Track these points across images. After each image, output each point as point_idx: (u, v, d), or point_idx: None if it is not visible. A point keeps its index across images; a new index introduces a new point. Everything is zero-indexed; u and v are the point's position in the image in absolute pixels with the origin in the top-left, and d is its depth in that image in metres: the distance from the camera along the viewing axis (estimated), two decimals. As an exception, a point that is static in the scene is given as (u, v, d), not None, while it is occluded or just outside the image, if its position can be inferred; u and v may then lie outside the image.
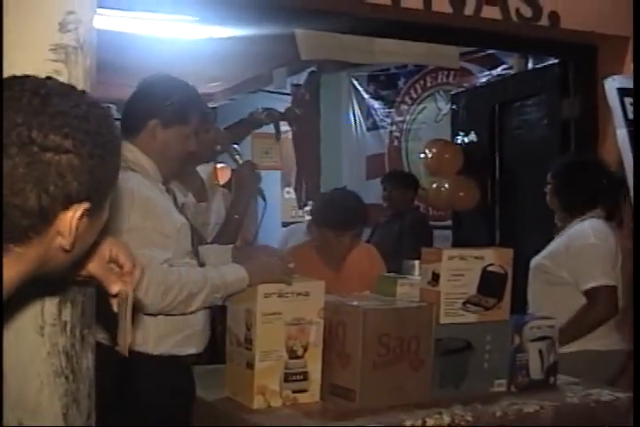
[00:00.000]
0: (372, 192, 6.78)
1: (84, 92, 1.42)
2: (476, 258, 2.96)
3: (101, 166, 1.36)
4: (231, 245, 3.12)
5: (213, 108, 10.06)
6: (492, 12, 4.08)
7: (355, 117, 8.18)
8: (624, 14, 4.47)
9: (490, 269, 2.97)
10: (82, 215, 1.37)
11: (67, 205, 1.35)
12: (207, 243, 3.37)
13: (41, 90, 1.35)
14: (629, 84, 4.42)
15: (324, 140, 8.23)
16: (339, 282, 3.76)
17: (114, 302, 1.64)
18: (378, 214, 6.94)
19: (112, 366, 2.67)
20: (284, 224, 9.20)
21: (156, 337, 2.79)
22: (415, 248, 3.33)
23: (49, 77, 1.40)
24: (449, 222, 6.23)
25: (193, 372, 2.94)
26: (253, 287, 2.71)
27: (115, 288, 1.63)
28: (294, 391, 2.75)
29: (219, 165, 4.03)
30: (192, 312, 2.79)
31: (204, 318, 2.94)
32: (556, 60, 4.89)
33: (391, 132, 7.71)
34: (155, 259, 2.66)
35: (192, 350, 2.91)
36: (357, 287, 3.34)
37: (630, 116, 4.35)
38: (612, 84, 4.41)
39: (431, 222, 6.47)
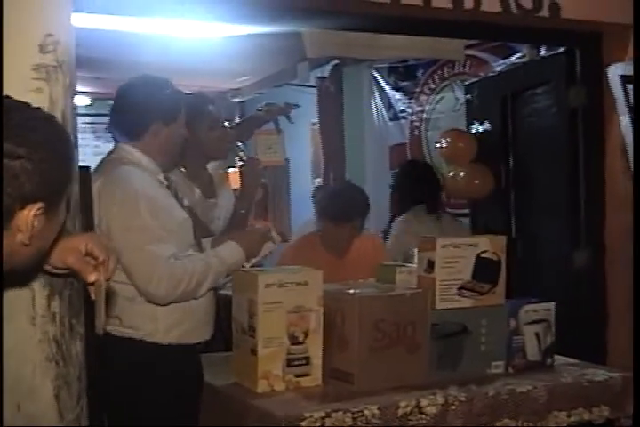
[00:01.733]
0: (396, 181, 6.87)
1: (38, 108, 1.61)
2: (470, 245, 3.08)
3: (53, 170, 1.57)
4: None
5: (241, 102, 10.22)
6: (491, 5, 4.14)
7: (377, 108, 8.28)
8: (627, 2, 4.54)
9: (483, 255, 3.09)
10: (37, 213, 1.57)
11: (23, 205, 1.55)
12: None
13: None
14: (632, 70, 4.49)
15: (348, 131, 8.34)
16: (343, 269, 3.90)
17: (91, 290, 1.85)
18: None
19: (122, 355, 2.85)
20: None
21: (165, 327, 2.95)
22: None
23: (7, 96, 1.59)
24: (467, 210, 6.31)
25: (201, 359, 3.09)
26: (254, 278, 2.84)
27: (91, 278, 1.85)
28: (297, 376, 2.90)
29: (230, 170, 4.16)
30: (199, 297, 2.97)
31: (210, 308, 3.09)
32: (562, 49, 4.93)
33: (412, 122, 7.79)
34: (161, 254, 2.82)
35: (199, 339, 3.06)
36: (361, 274, 3.48)
37: (633, 102, 4.43)
38: (614, 72, 4.47)
39: (450, 210, 6.56)
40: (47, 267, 1.93)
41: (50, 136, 1.58)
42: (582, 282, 4.82)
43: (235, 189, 4.10)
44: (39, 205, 1.56)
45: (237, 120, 6.70)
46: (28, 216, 1.55)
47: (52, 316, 2.06)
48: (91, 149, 8.82)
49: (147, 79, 3.10)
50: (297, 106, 4.54)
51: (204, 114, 3.75)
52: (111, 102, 3.19)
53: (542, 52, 5.45)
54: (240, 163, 3.96)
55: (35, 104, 1.65)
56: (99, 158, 3.14)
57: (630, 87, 4.43)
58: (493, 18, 4.25)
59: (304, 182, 9.63)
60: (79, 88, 8.25)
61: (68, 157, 1.64)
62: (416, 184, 5.78)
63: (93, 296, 1.85)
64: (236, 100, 10.01)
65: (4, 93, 1.60)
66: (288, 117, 4.44)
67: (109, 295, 1.91)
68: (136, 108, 3.03)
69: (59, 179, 1.61)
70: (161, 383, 2.93)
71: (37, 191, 1.54)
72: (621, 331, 4.64)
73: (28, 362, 2.04)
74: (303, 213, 9.64)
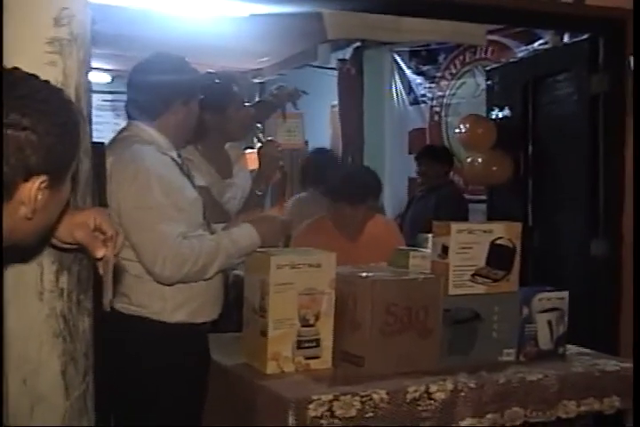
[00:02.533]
0: (413, 166, 6.87)
1: (46, 81, 1.59)
2: (485, 232, 3.05)
3: (58, 143, 1.55)
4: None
5: (261, 83, 10.21)
6: (516, -9, 4.13)
7: (397, 92, 8.24)
8: (652, -10, 4.50)
9: (498, 242, 3.07)
10: (41, 187, 1.55)
11: (26, 177, 1.53)
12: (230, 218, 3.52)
13: (9, 77, 1.54)
14: (656, 59, 4.45)
15: (368, 114, 8.32)
16: (356, 252, 3.88)
17: (99, 265, 1.84)
18: (415, 188, 7.05)
19: (129, 332, 2.85)
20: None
21: (173, 306, 2.94)
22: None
23: (15, 68, 1.58)
24: (485, 197, 6.29)
25: (208, 339, 3.09)
26: (267, 258, 2.83)
27: (99, 253, 1.84)
28: (307, 358, 2.89)
29: (248, 151, 4.15)
30: (210, 278, 2.95)
31: (218, 287, 3.08)
32: (585, 36, 4.89)
33: (432, 106, 7.76)
34: (171, 233, 2.80)
35: (207, 318, 3.06)
36: (374, 258, 3.45)
37: (655, 90, 4.39)
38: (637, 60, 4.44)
39: (467, 196, 6.54)
40: (55, 241, 1.92)
41: (57, 109, 1.56)
42: (598, 272, 4.80)
43: (252, 171, 4.09)
44: (43, 178, 1.54)
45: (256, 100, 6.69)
46: (32, 189, 1.53)
47: (60, 291, 2.05)
48: (110, 126, 8.82)
49: (163, 57, 3.08)
50: (305, 93, 4.52)
51: (229, 94, 3.74)
52: (131, 80, 3.18)
53: (565, 39, 5.41)
54: (259, 144, 3.95)
55: (48, 78, 1.64)
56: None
57: (654, 75, 4.40)
58: (517, 3, 4.22)
59: (323, 164, 9.61)
60: (100, 65, 8.26)
61: (75, 130, 1.62)
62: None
63: (101, 271, 1.85)
64: (257, 80, 10.01)
65: (14, 65, 1.58)
66: (294, 104, 4.44)
67: (117, 272, 1.91)
68: (155, 87, 3.01)
69: (64, 152, 1.59)
70: (167, 362, 2.92)
71: (42, 164, 1.52)
72: (635, 322, 4.62)
73: (35, 338, 2.03)
74: (321, 195, 9.64)
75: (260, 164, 3.78)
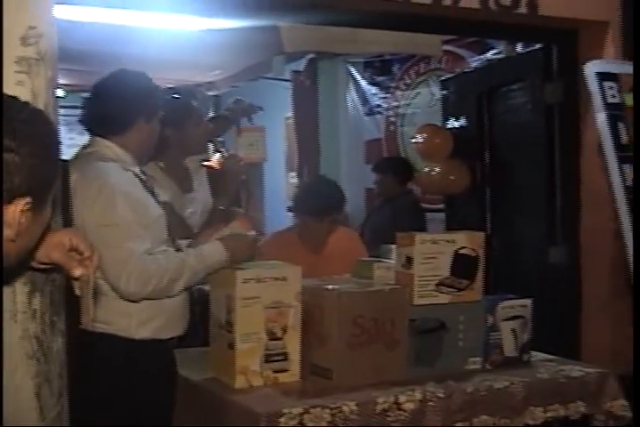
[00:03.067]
0: (370, 177, 6.89)
1: (26, 102, 1.59)
2: (448, 242, 3.08)
3: (41, 165, 1.55)
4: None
5: (216, 95, 10.19)
6: (470, 2, 4.15)
7: (352, 103, 8.27)
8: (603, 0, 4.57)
9: (462, 252, 3.09)
10: (24, 209, 1.54)
11: (10, 199, 1.51)
12: (194, 232, 3.51)
13: None
14: (608, 68, 4.49)
15: (323, 126, 8.33)
16: (320, 265, 3.89)
17: (76, 285, 1.84)
18: (373, 199, 7.08)
19: (95, 350, 2.83)
20: (290, 209, 9.29)
21: (138, 323, 2.93)
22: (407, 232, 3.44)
23: None
24: (443, 206, 6.31)
25: (174, 355, 3.07)
26: (232, 273, 2.84)
27: (77, 272, 1.84)
28: (275, 371, 2.90)
29: (206, 163, 4.15)
30: (175, 295, 2.94)
31: (184, 303, 3.07)
32: (539, 46, 4.95)
33: (388, 117, 7.79)
34: (136, 250, 2.79)
35: (173, 334, 3.04)
36: (338, 270, 3.46)
37: (610, 100, 4.44)
38: (591, 69, 4.47)
39: (426, 206, 6.57)
40: (32, 262, 1.92)
41: (39, 130, 1.56)
42: (557, 279, 4.84)
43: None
44: (26, 199, 1.53)
45: (211, 115, 6.67)
46: (15, 211, 1.52)
47: (32, 313, 2.04)
48: (64, 142, 8.75)
49: (127, 74, 3.07)
50: (260, 109, 4.54)
51: (189, 109, 3.75)
52: (85, 95, 3.16)
53: (519, 49, 5.46)
54: (219, 158, 3.95)
55: (17, 98, 1.63)
56: (73, 151, 3.11)
57: (607, 84, 4.45)
58: (471, 14, 4.26)
59: (278, 176, 9.62)
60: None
61: (55, 151, 1.62)
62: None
63: (78, 291, 1.84)
64: (211, 93, 10.01)
65: None
66: (249, 119, 4.46)
67: (96, 290, 1.90)
68: (119, 103, 2.99)
69: (46, 173, 1.58)
70: (134, 378, 2.91)
71: (25, 185, 1.52)
72: (596, 327, 4.67)
73: (9, 359, 2.01)
74: (277, 207, 9.65)
75: (222, 179, 3.79)
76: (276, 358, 2.89)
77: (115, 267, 2.78)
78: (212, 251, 2.94)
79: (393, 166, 6.60)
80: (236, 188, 3.85)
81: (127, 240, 2.78)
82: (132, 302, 2.87)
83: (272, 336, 2.88)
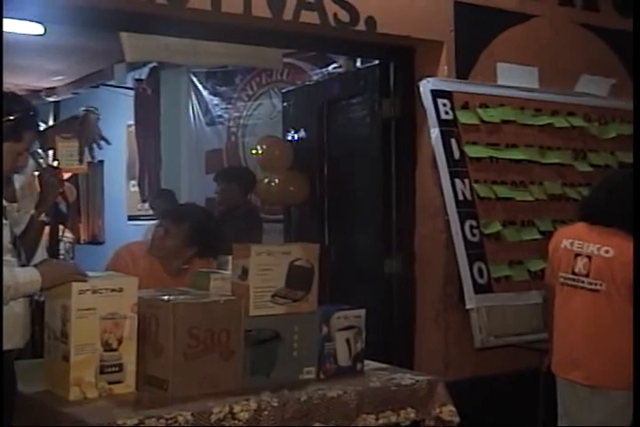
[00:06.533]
0: (211, 187, 6.90)
1: None
2: (284, 253, 3.13)
3: None
4: None
5: (56, 102, 10.02)
6: (310, 17, 4.24)
7: (194, 113, 8.28)
8: (440, 20, 4.72)
9: (297, 263, 3.15)
10: None
11: None
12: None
13: None
14: (442, 86, 4.67)
15: (165, 134, 8.32)
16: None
17: None
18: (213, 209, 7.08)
19: None
20: (130, 217, 9.23)
21: None
22: (245, 242, 3.46)
23: None
24: (282, 216, 6.38)
25: (14, 367, 3.01)
26: (68, 284, 2.81)
27: None
28: (110, 383, 2.88)
29: (36, 173, 4.06)
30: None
31: (22, 314, 3.00)
32: (378, 62, 5.07)
33: (229, 127, 7.83)
34: None
35: (12, 346, 2.98)
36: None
37: (443, 116, 4.60)
38: (426, 86, 4.64)
39: (264, 216, 6.62)
40: None
41: None
42: (392, 289, 4.98)
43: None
44: None
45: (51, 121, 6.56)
46: None
47: None
48: None
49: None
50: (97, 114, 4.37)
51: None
52: None
53: (359, 64, 5.58)
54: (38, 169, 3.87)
55: None
56: None
57: (440, 101, 4.61)
58: (312, 29, 4.35)
59: (118, 184, 9.54)
60: None
61: None
62: None
63: None
64: (51, 99, 9.84)
65: None
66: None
67: None
68: None
69: None
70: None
71: None
72: (428, 336, 4.81)
73: None
74: (117, 214, 9.56)
75: (41, 191, 3.72)
76: (112, 369, 2.87)
77: None
78: (25, 270, 2.88)
79: (236, 176, 6.61)
80: (54, 200, 3.77)
81: None
82: None
83: (107, 347, 2.86)
